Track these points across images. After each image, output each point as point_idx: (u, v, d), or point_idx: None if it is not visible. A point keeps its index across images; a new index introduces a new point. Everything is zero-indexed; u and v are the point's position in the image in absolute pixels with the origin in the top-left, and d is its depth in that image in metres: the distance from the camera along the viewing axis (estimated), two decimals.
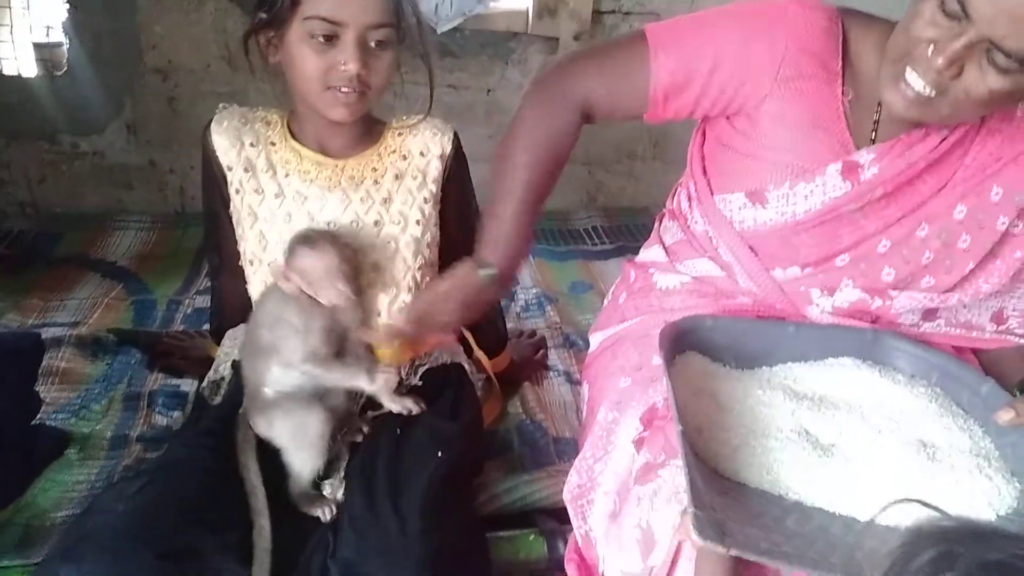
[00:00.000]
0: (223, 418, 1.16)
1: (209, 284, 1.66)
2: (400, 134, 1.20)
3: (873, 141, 1.05)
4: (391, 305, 1.21)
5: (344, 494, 1.10)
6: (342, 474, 1.13)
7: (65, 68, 2.09)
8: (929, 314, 1.15)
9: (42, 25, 2.08)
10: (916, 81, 0.91)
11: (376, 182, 1.17)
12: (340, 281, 1.07)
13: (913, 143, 1.03)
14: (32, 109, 2.12)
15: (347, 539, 1.01)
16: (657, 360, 1.07)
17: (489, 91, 2.42)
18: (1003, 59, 0.85)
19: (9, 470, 1.22)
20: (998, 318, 1.16)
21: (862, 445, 0.93)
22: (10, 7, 1.90)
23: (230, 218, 1.20)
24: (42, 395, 1.39)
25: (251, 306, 1.22)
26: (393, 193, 1.18)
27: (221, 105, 1.19)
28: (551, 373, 1.65)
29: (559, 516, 1.20)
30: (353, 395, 1.18)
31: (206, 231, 1.32)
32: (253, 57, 1.10)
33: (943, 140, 1.03)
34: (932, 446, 0.93)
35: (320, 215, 1.16)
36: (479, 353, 1.45)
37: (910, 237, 1.08)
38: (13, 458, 1.23)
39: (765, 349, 1.09)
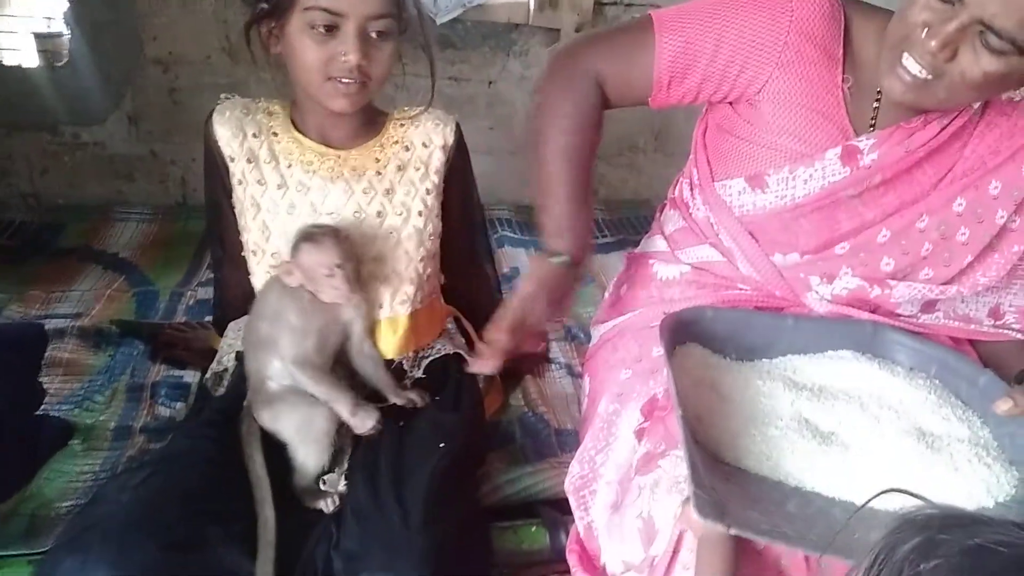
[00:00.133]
0: (226, 410, 1.16)
1: (211, 275, 1.66)
2: (402, 125, 1.20)
3: (872, 128, 1.07)
4: (393, 297, 1.21)
5: (347, 486, 1.10)
6: (345, 467, 1.13)
7: (66, 59, 2.09)
8: (928, 306, 1.16)
9: (43, 16, 2.08)
10: (913, 65, 0.93)
11: (379, 173, 1.17)
12: (340, 280, 1.07)
13: (912, 131, 1.04)
14: (33, 100, 2.11)
15: (350, 530, 1.01)
16: (657, 351, 1.09)
17: (490, 83, 2.41)
18: (996, 40, 0.87)
19: (13, 460, 1.22)
20: (995, 313, 1.16)
21: (861, 434, 0.94)
22: None
23: (233, 209, 1.20)
24: (46, 386, 1.39)
25: (254, 297, 1.22)
26: (396, 184, 1.18)
27: (223, 96, 1.19)
28: (553, 366, 1.65)
29: (561, 507, 1.20)
30: (356, 388, 1.18)
31: (208, 222, 1.32)
32: (254, 48, 1.10)
33: (942, 130, 1.04)
34: (931, 435, 0.94)
35: (323, 206, 1.16)
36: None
37: (909, 228, 1.09)
38: (17, 448, 1.24)
39: (765, 341, 1.10)
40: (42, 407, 1.36)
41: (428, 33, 1.15)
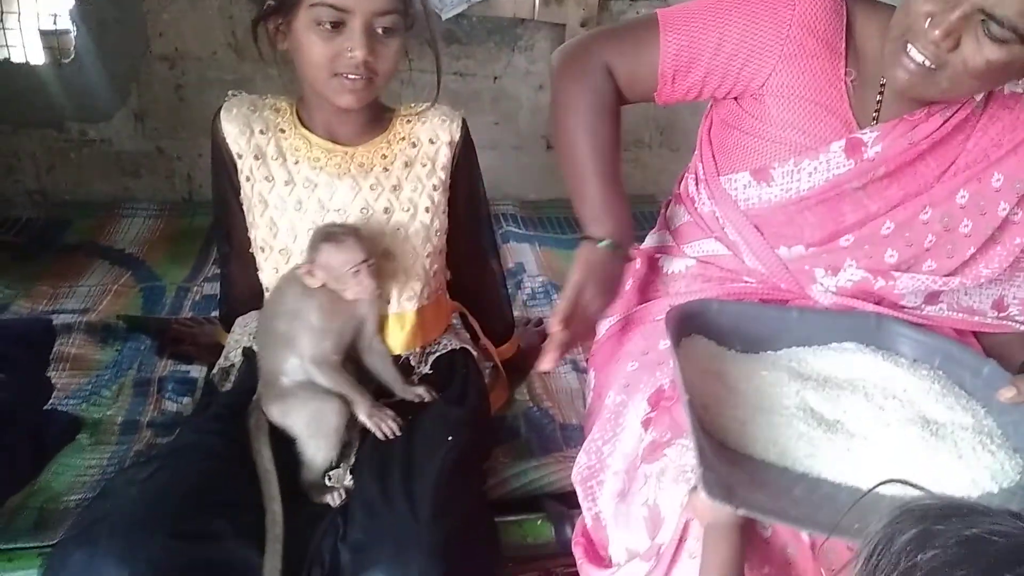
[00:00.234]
0: (233, 405, 1.17)
1: (217, 271, 1.67)
2: (409, 121, 1.20)
3: (876, 121, 1.08)
4: (400, 293, 1.22)
5: (354, 480, 1.10)
6: (351, 461, 1.14)
7: (72, 56, 2.10)
8: (931, 298, 1.17)
9: (49, 13, 2.09)
10: (917, 55, 0.94)
11: (386, 169, 1.18)
12: (366, 276, 1.08)
13: (916, 123, 1.05)
14: (40, 97, 2.13)
15: (359, 523, 1.02)
16: (663, 344, 1.09)
17: (495, 78, 2.42)
18: (997, 28, 0.88)
19: (22, 454, 1.23)
20: (999, 305, 1.17)
21: (866, 422, 0.94)
22: None
23: (240, 205, 1.20)
24: (53, 381, 1.40)
25: (261, 293, 1.23)
26: (403, 180, 1.19)
27: (230, 92, 1.19)
28: None
29: (566, 501, 1.21)
30: (364, 383, 1.18)
31: (216, 218, 1.32)
32: (261, 44, 1.10)
33: (945, 122, 1.05)
34: (935, 423, 0.95)
35: (330, 202, 1.16)
36: (486, 341, 1.45)
37: (913, 220, 1.10)
38: (26, 442, 1.24)
39: (769, 333, 1.11)
40: (50, 401, 1.37)
41: (434, 28, 1.15)
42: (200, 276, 1.91)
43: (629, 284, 1.30)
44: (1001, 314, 1.17)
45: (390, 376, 1.21)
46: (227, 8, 2.17)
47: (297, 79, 1.13)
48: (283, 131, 1.17)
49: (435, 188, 1.20)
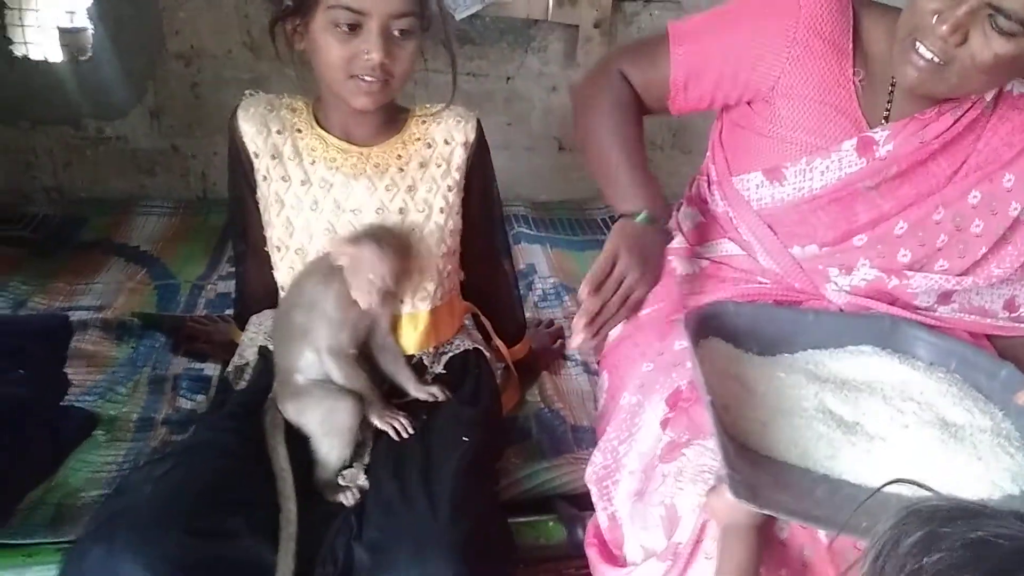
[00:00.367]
0: (248, 403, 1.18)
1: (231, 269, 1.68)
2: (424, 122, 1.21)
3: (886, 121, 1.09)
4: (414, 293, 1.22)
5: (369, 480, 1.11)
6: (365, 461, 1.14)
7: (89, 54, 2.12)
8: (944, 298, 1.17)
9: (66, 11, 2.11)
10: (925, 52, 0.95)
11: (401, 170, 1.18)
12: (376, 295, 1.09)
13: (926, 122, 1.06)
14: (57, 94, 2.14)
15: (376, 522, 1.02)
16: (679, 345, 1.10)
17: (508, 79, 2.42)
18: (1005, 22, 0.89)
19: (39, 450, 1.24)
20: (1010, 306, 1.18)
21: (885, 424, 0.95)
22: None
23: (256, 204, 1.21)
24: (70, 377, 1.42)
25: (276, 292, 1.23)
26: (418, 181, 1.19)
27: (247, 92, 1.19)
28: (569, 362, 1.66)
29: (578, 503, 1.21)
30: (377, 383, 1.19)
31: (231, 217, 1.33)
32: (279, 44, 1.11)
33: (955, 121, 1.06)
34: (954, 425, 0.95)
35: (346, 202, 1.17)
36: (498, 341, 1.46)
37: (926, 220, 1.10)
38: (43, 438, 1.26)
39: (785, 336, 1.11)
40: (66, 398, 1.38)
41: (450, 30, 1.15)
42: (214, 274, 1.92)
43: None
44: (1013, 315, 1.18)
45: (403, 375, 1.21)
46: (243, 7, 2.18)
47: (313, 79, 1.14)
48: (300, 131, 1.17)
49: (450, 189, 1.21)
